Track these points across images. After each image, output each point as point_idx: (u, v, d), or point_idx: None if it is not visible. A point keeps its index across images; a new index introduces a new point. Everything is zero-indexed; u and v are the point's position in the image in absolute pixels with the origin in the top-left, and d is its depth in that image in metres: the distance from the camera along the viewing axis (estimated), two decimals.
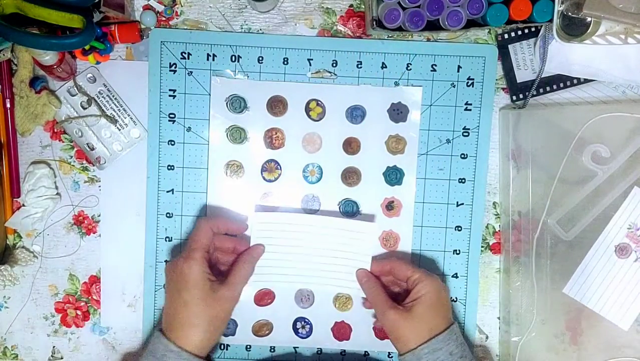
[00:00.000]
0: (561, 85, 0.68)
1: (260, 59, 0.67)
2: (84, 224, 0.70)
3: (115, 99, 0.68)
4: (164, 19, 0.67)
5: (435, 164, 0.69)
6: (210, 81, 0.68)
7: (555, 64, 0.66)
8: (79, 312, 0.71)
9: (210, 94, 0.68)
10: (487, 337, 0.71)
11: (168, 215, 0.69)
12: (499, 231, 0.70)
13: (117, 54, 0.68)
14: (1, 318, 0.71)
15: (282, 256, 0.69)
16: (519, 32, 0.67)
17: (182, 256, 0.63)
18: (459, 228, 0.69)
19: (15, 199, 0.69)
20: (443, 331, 0.61)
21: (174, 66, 0.67)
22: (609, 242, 0.67)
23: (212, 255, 0.65)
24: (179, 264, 0.62)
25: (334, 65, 0.68)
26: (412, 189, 0.69)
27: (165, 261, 0.69)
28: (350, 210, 0.69)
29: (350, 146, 0.68)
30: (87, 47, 0.64)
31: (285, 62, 0.68)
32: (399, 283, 0.66)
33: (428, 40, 0.68)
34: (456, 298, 0.70)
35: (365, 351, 0.71)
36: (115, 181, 0.69)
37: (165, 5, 0.67)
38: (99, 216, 0.70)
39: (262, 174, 0.69)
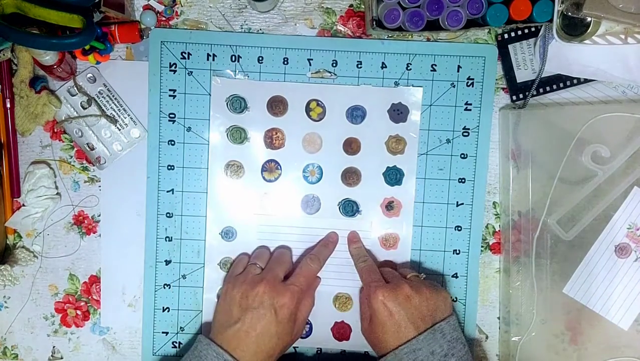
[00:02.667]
0: (561, 85, 0.68)
1: (260, 59, 0.67)
2: (84, 224, 0.70)
3: (115, 99, 0.68)
4: (164, 19, 0.67)
5: (435, 164, 0.69)
6: (211, 81, 0.68)
7: (555, 64, 0.66)
8: (79, 312, 0.71)
9: (210, 94, 0.68)
10: (487, 337, 0.71)
11: (168, 215, 0.69)
12: (499, 231, 0.70)
13: (117, 54, 0.68)
14: (1, 318, 0.71)
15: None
16: (519, 32, 0.67)
17: (290, 291, 0.62)
18: (459, 228, 0.69)
19: (15, 199, 0.69)
20: (423, 331, 0.60)
21: (174, 66, 0.67)
22: (609, 242, 0.67)
23: None
24: (283, 298, 0.61)
25: (334, 65, 0.68)
26: (412, 189, 0.69)
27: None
28: (350, 210, 0.69)
29: (351, 146, 0.68)
30: (87, 47, 0.64)
31: (285, 62, 0.68)
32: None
33: (428, 40, 0.68)
34: (456, 298, 0.70)
35: (366, 351, 0.71)
36: (115, 181, 0.69)
37: (165, 5, 0.67)
38: (99, 216, 0.70)
39: (262, 174, 0.69)
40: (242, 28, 0.68)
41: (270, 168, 0.69)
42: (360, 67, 0.68)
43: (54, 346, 0.71)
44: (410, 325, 0.60)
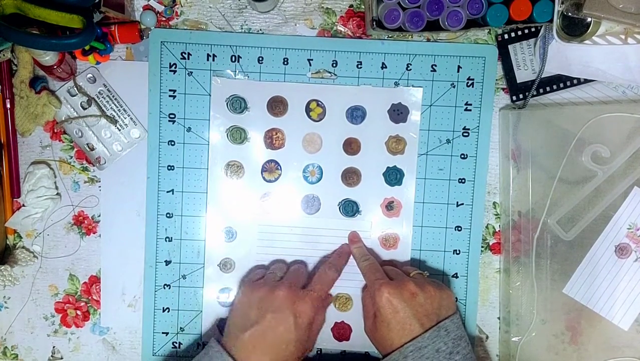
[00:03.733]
0: (561, 85, 0.68)
1: (260, 59, 0.67)
2: (84, 224, 0.70)
3: (115, 99, 0.68)
4: (164, 19, 0.67)
5: (435, 164, 0.69)
6: (211, 81, 0.68)
7: (555, 64, 0.66)
8: (79, 312, 0.71)
9: (210, 95, 0.68)
10: (487, 337, 0.71)
11: (168, 215, 0.69)
12: (499, 231, 0.70)
13: (117, 54, 0.68)
14: (1, 318, 0.71)
15: (282, 258, 0.69)
16: (519, 32, 0.67)
17: (310, 298, 0.62)
18: (459, 228, 0.69)
19: (15, 199, 0.69)
20: (428, 329, 0.60)
21: (174, 66, 0.67)
22: (609, 242, 0.67)
23: None
24: (304, 304, 0.61)
25: (334, 65, 0.68)
26: (412, 190, 0.69)
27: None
28: (350, 210, 0.69)
29: (351, 146, 0.68)
30: (87, 48, 0.64)
31: (285, 63, 0.68)
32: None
33: (428, 40, 0.68)
34: (456, 298, 0.70)
35: (366, 352, 0.71)
36: (115, 181, 0.69)
37: (165, 6, 0.67)
38: (99, 216, 0.70)
39: (262, 174, 0.69)
40: (242, 28, 0.68)
41: (270, 168, 0.69)
42: (360, 68, 0.68)
43: (54, 347, 0.71)
44: (416, 322, 0.60)
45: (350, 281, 0.69)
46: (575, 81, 0.67)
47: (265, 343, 0.59)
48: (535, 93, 0.67)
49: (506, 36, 0.67)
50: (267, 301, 0.61)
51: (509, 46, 0.67)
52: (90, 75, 0.68)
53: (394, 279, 0.63)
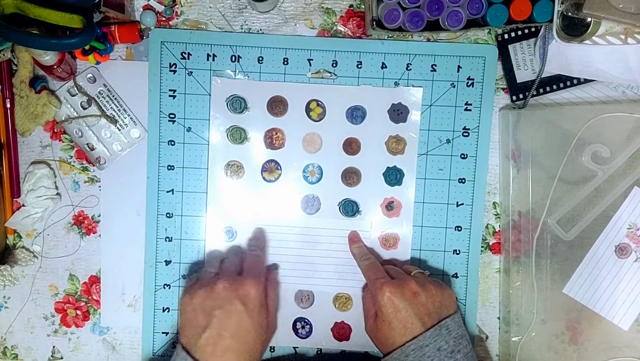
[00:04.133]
0: (561, 85, 0.68)
1: (260, 59, 0.67)
2: (84, 224, 0.70)
3: (115, 99, 0.68)
4: (164, 19, 0.67)
5: (435, 164, 0.69)
6: (211, 81, 0.68)
7: (555, 64, 0.66)
8: (79, 312, 0.71)
9: (210, 94, 0.68)
10: (487, 337, 0.71)
11: (168, 215, 0.69)
12: (499, 231, 0.70)
13: (117, 54, 0.68)
14: (1, 318, 0.71)
15: (282, 258, 0.69)
16: (519, 32, 0.67)
17: (250, 280, 0.61)
18: (459, 228, 0.69)
19: (15, 199, 0.69)
20: (430, 328, 0.60)
21: (174, 66, 0.67)
22: (609, 242, 0.67)
23: None
24: (246, 287, 0.60)
25: (334, 65, 0.68)
26: (412, 190, 0.69)
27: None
28: (350, 210, 0.69)
29: (351, 146, 0.68)
30: (87, 47, 0.64)
31: (285, 63, 0.68)
32: None
33: (428, 40, 0.68)
34: (456, 298, 0.70)
35: (366, 351, 0.71)
36: (115, 181, 0.69)
37: (165, 6, 0.67)
38: (99, 216, 0.70)
39: (262, 174, 0.69)
40: (242, 28, 0.68)
41: (270, 168, 0.69)
42: (360, 68, 0.68)
43: (54, 346, 0.71)
44: (417, 321, 0.60)
45: (350, 281, 0.69)
46: (575, 81, 0.67)
47: (224, 341, 0.58)
48: (535, 93, 0.67)
49: (506, 36, 0.67)
50: (209, 299, 0.60)
51: (509, 46, 0.67)
52: (90, 75, 0.68)
53: (395, 278, 0.63)
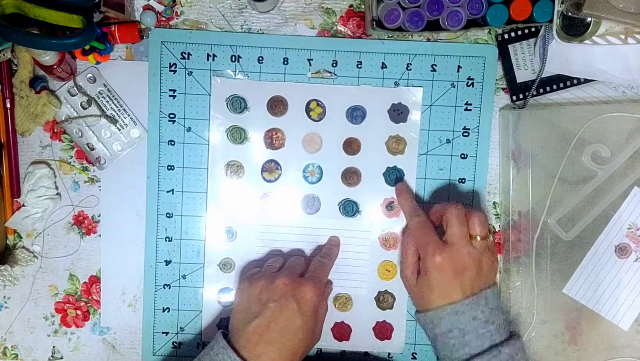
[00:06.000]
0: (561, 85, 0.68)
1: (260, 59, 0.67)
2: (84, 224, 0.70)
3: (115, 99, 0.68)
4: (164, 19, 0.67)
5: (435, 164, 0.69)
6: (211, 81, 0.68)
7: (555, 64, 0.66)
8: (79, 312, 0.71)
9: (210, 94, 0.68)
10: None
11: (168, 215, 0.69)
12: (499, 231, 0.70)
13: (117, 54, 0.68)
14: (1, 318, 0.71)
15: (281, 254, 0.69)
16: (519, 32, 0.67)
17: (311, 283, 0.61)
18: None
19: (15, 199, 0.69)
20: (469, 296, 0.60)
21: (174, 66, 0.67)
22: (609, 242, 0.67)
23: None
24: (304, 288, 0.60)
25: (334, 65, 0.68)
26: (412, 190, 0.69)
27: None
28: (350, 210, 0.69)
29: (351, 146, 0.68)
30: (87, 47, 0.64)
31: (285, 62, 0.68)
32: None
33: (428, 40, 0.68)
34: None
35: (365, 352, 0.71)
36: (115, 181, 0.69)
37: (165, 5, 0.67)
38: (99, 216, 0.70)
39: (262, 174, 0.69)
40: (242, 28, 0.68)
41: (270, 168, 0.69)
42: (360, 67, 0.68)
43: (54, 346, 0.71)
44: (460, 291, 0.60)
45: (350, 281, 0.69)
46: (575, 81, 0.67)
47: (270, 333, 0.59)
48: (535, 93, 0.67)
49: (506, 36, 0.67)
50: (267, 292, 0.61)
51: (509, 46, 0.68)
52: (90, 75, 0.68)
53: (450, 244, 0.61)
